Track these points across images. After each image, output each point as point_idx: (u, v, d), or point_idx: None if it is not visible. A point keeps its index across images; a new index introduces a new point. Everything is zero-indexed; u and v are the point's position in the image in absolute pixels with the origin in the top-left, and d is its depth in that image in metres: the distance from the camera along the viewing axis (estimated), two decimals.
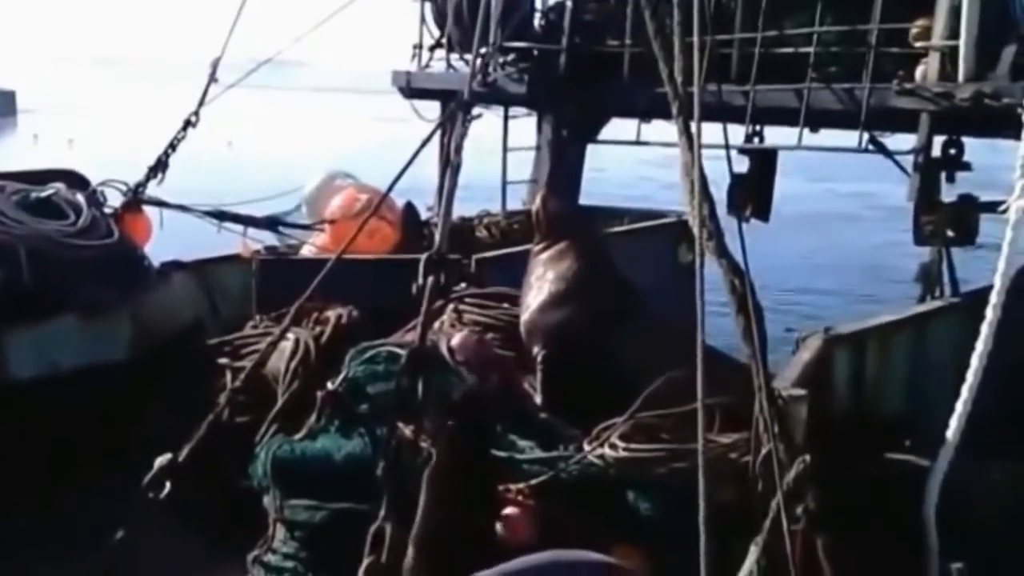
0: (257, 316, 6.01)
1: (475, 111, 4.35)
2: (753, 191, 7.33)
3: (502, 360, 5.15)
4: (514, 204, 8.77)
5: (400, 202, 7.70)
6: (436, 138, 5.34)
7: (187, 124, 7.35)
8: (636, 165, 22.25)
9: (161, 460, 3.99)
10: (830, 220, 22.00)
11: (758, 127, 7.36)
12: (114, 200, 6.84)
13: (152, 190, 7.14)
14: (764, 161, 7.48)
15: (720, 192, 6.41)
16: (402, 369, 3.46)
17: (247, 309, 6.29)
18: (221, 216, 7.18)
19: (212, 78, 7.58)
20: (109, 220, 6.44)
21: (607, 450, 4.23)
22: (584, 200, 9.13)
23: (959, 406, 4.28)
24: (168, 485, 3.94)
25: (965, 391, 4.26)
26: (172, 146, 7.30)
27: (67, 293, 5.72)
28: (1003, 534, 4.46)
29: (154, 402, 5.32)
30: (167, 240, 7.16)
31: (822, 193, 24.34)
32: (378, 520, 3.00)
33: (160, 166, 7.20)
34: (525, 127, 9.22)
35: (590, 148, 9.08)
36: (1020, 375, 5.44)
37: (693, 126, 3.60)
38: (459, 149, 4.04)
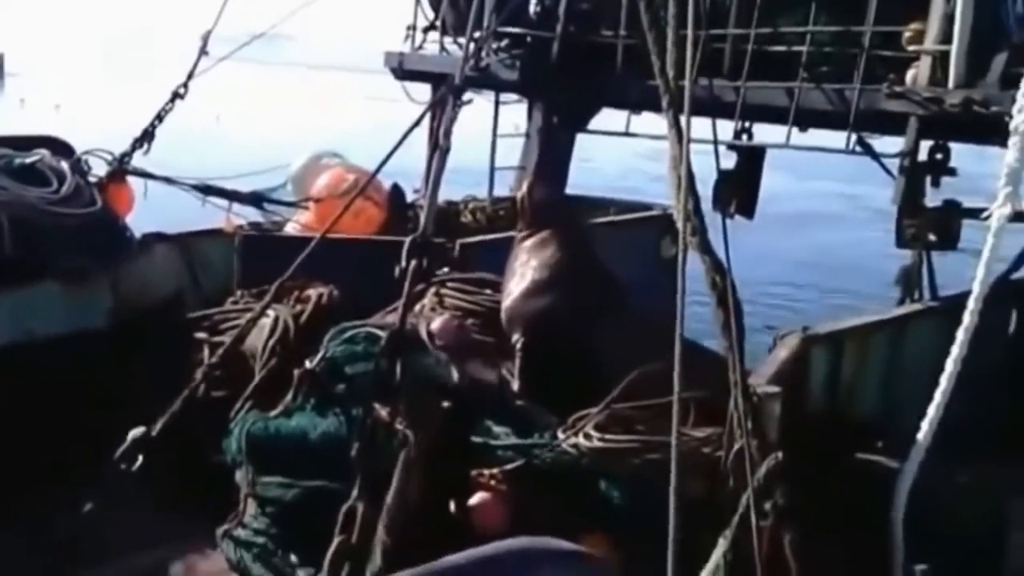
0: (238, 292, 6.00)
1: (466, 96, 4.34)
2: (739, 188, 7.34)
3: (481, 345, 5.17)
4: (501, 190, 8.76)
5: (387, 184, 7.69)
6: (425, 121, 5.33)
7: (175, 96, 7.31)
8: (624, 156, 22.24)
9: (134, 433, 3.99)
10: (815, 219, 22.07)
11: (747, 124, 7.36)
12: (99, 169, 6.81)
13: (137, 161, 7.11)
14: (751, 158, 7.49)
15: (707, 187, 6.42)
16: (381, 351, 3.46)
17: (228, 284, 6.27)
18: (206, 190, 7.15)
19: (203, 51, 7.53)
20: (93, 189, 6.41)
21: (581, 439, 4.25)
22: (572, 190, 9.13)
23: (931, 410, 4.32)
24: (140, 458, 3.93)
25: (938, 395, 4.30)
26: (159, 117, 7.26)
27: (48, 260, 5.70)
28: (969, 537, 4.51)
29: (131, 372, 5.31)
30: (151, 212, 7.13)
31: (809, 192, 24.40)
32: (350, 500, 3.00)
33: (146, 137, 7.16)
34: (516, 113, 9.21)
35: (580, 137, 9.08)
36: (993, 381, 5.50)
37: (683, 120, 3.60)
38: (448, 133, 4.02)
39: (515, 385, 4.95)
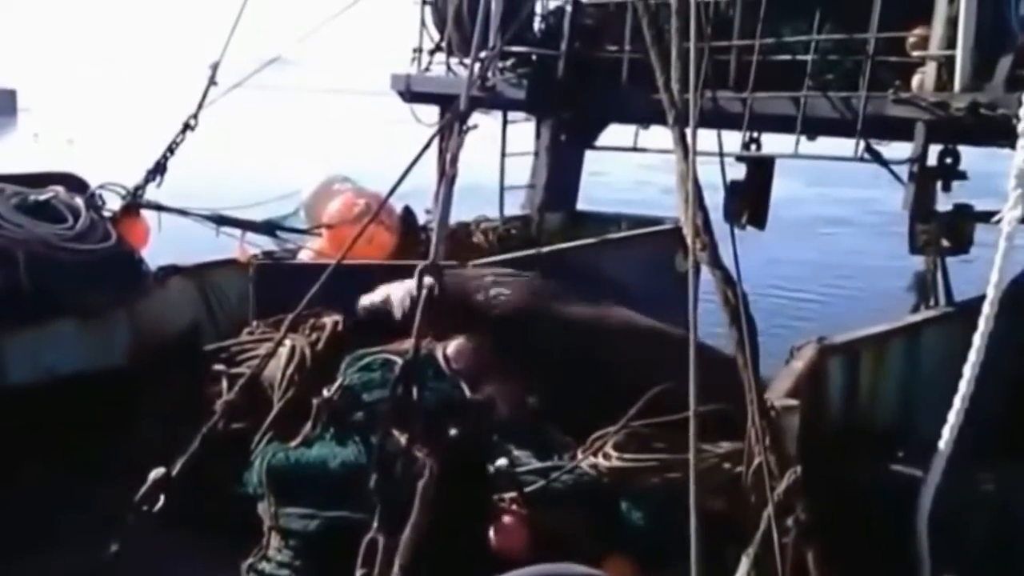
0: (254, 322, 6.02)
1: (472, 121, 4.35)
2: (749, 198, 7.35)
3: (498, 368, 5.17)
4: (512, 209, 8.79)
5: (398, 207, 7.71)
6: (435, 143, 5.35)
7: (186, 127, 7.36)
8: (635, 169, 22.24)
9: (155, 474, 3.99)
10: (826, 225, 22.00)
11: (755, 134, 7.37)
12: (112, 203, 6.86)
13: (150, 193, 7.16)
14: (761, 168, 7.50)
15: (717, 198, 6.42)
16: (396, 377, 3.47)
17: (244, 314, 6.29)
18: (219, 220, 7.19)
19: (212, 81, 7.59)
20: (107, 224, 6.44)
21: (600, 459, 4.25)
22: (583, 204, 9.15)
23: (951, 416, 4.30)
24: (162, 499, 3.94)
25: (957, 401, 4.28)
26: (171, 149, 7.31)
27: (65, 297, 5.74)
28: (994, 543, 4.48)
29: (150, 408, 5.33)
30: (165, 244, 7.17)
31: (819, 198, 24.34)
32: (371, 532, 3.00)
33: (159, 169, 7.21)
34: (524, 132, 9.24)
35: (589, 152, 9.10)
36: (1012, 384, 5.46)
37: (689, 134, 3.62)
38: (454, 160, 4.04)
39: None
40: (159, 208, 7.09)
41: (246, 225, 7.27)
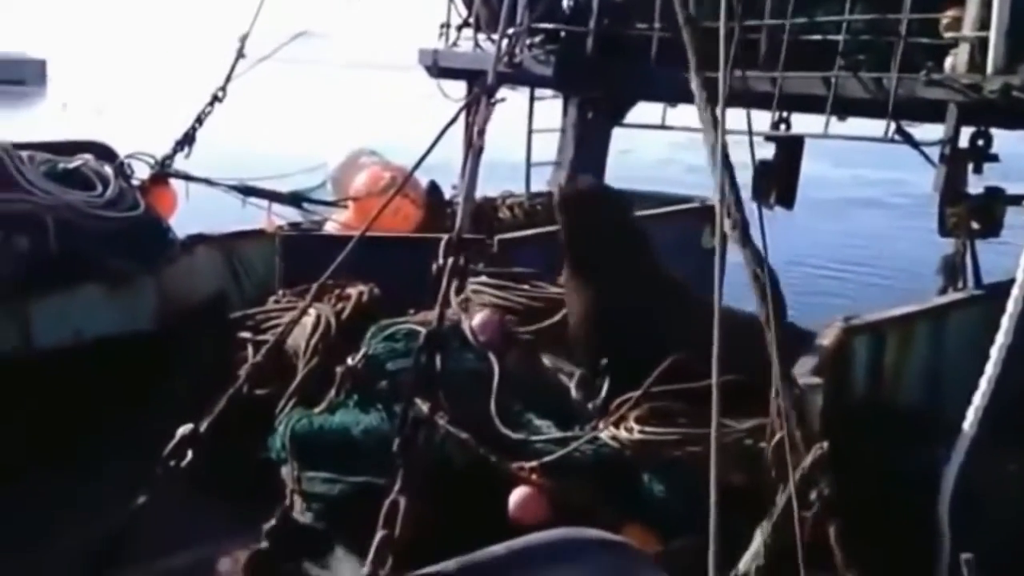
0: (280, 291, 6.07)
1: (499, 95, 4.35)
2: (778, 178, 7.30)
3: (524, 340, 5.19)
4: (538, 186, 8.77)
5: (424, 181, 7.73)
6: (461, 117, 5.35)
7: (214, 99, 7.40)
8: (663, 147, 22.14)
9: (183, 430, 4.05)
10: (856, 207, 21.85)
11: (784, 114, 7.32)
12: (141, 172, 6.92)
13: (179, 163, 7.21)
14: (790, 148, 7.45)
15: (747, 177, 6.39)
16: (420, 345, 3.48)
17: (270, 284, 6.35)
18: (246, 191, 7.23)
19: (240, 53, 7.61)
20: (135, 192, 6.52)
21: (622, 432, 4.26)
22: (609, 182, 9.12)
23: (977, 398, 4.29)
24: (189, 455, 3.99)
25: (983, 383, 4.27)
26: (199, 120, 7.36)
27: (93, 263, 5.81)
28: (1016, 525, 4.47)
29: (176, 373, 5.40)
30: (192, 214, 7.23)
31: (848, 179, 24.15)
32: (392, 493, 3.04)
33: (187, 140, 7.26)
34: (552, 108, 9.21)
35: (617, 129, 9.06)
36: None
37: (719, 113, 3.60)
38: (482, 133, 4.04)
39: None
40: (187, 178, 7.15)
41: (273, 196, 7.31)
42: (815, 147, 7.60)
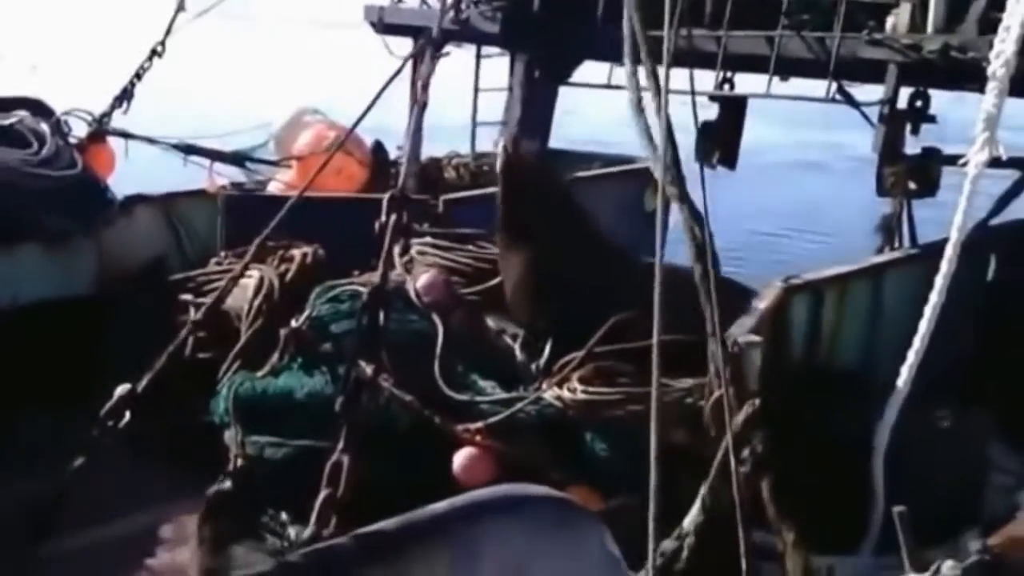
0: (222, 252, 6.00)
1: (444, 49, 4.31)
2: (721, 139, 7.33)
3: (469, 301, 5.19)
4: (485, 145, 8.73)
5: (370, 141, 7.66)
6: (407, 73, 5.29)
7: (153, 54, 7.25)
8: (609, 108, 22.12)
9: (120, 390, 4.00)
10: (799, 169, 22.05)
11: (728, 74, 7.34)
12: (78, 130, 6.77)
13: (117, 121, 7.06)
14: (733, 108, 7.47)
15: (690, 140, 6.41)
16: (363, 304, 3.46)
17: (212, 245, 6.27)
18: (187, 149, 7.12)
19: (180, 7, 7.45)
20: (72, 150, 6.38)
21: (565, 392, 4.30)
22: (555, 143, 9.11)
23: (910, 356, 4.38)
24: (127, 415, 3.95)
25: (917, 341, 4.36)
26: (137, 75, 7.20)
27: (29, 224, 5.69)
28: (949, 480, 4.59)
29: (116, 336, 5.32)
30: (131, 173, 7.09)
31: (792, 142, 24.35)
32: (335, 454, 3.04)
33: (125, 96, 7.11)
34: (498, 67, 9.15)
35: (565, 90, 9.03)
36: (973, 326, 5.56)
37: (661, 72, 3.61)
38: (426, 87, 4.01)
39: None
40: (126, 136, 7.01)
41: (214, 155, 7.21)
42: (760, 112, 7.63)
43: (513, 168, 5.05)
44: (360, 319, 3.38)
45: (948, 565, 3.27)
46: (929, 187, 6.01)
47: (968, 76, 5.20)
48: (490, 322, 5.08)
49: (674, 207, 3.57)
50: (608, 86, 8.20)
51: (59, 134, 6.38)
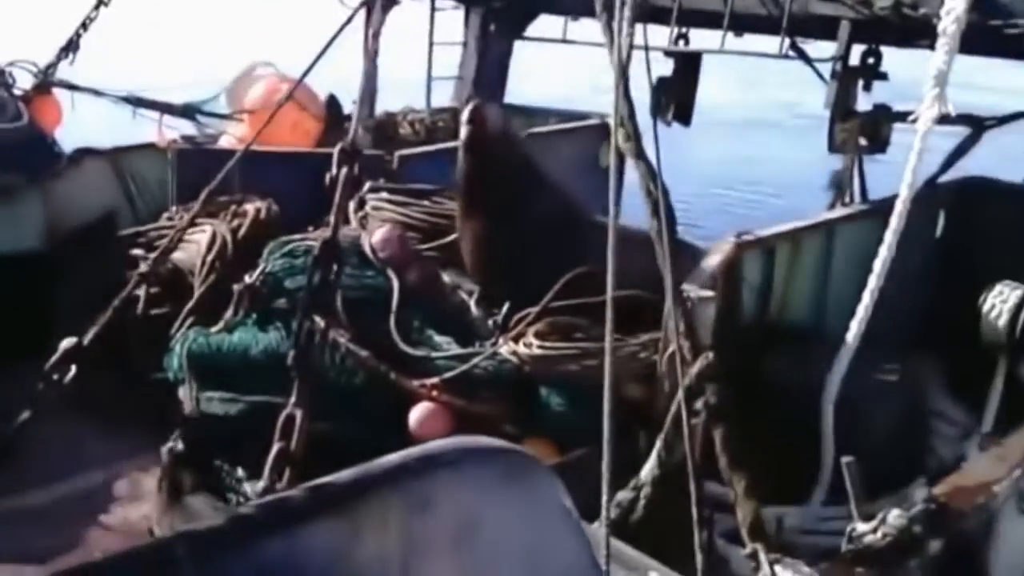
0: (173, 207, 5.92)
1: (400, 8, 4.26)
2: (676, 94, 7.33)
3: (424, 256, 5.18)
4: (440, 101, 8.66)
5: (324, 96, 7.57)
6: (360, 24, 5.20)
7: (99, 3, 7.07)
8: (565, 63, 22.01)
9: (66, 343, 3.95)
10: (753, 126, 22.15)
11: (684, 30, 7.33)
12: (23, 82, 6.62)
13: (63, 72, 6.91)
14: (688, 65, 7.47)
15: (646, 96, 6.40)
16: (315, 257, 3.43)
17: (163, 199, 6.18)
18: (136, 102, 6.98)
19: None
20: (17, 103, 6.25)
21: (521, 347, 4.32)
22: (511, 99, 9.06)
23: (860, 310, 4.46)
24: (73, 368, 3.89)
25: (866, 296, 4.44)
26: (84, 25, 7.03)
27: None
28: (895, 431, 4.70)
29: (65, 291, 5.24)
30: (78, 126, 6.95)
31: (748, 100, 24.43)
32: (288, 407, 3.03)
33: (71, 46, 6.94)
34: (453, 21, 9.05)
35: (522, 45, 8.97)
36: (922, 281, 5.66)
37: (615, 26, 3.59)
38: (376, 35, 3.96)
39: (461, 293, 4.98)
40: (72, 87, 6.86)
41: (164, 108, 7.08)
42: (716, 68, 7.64)
43: (479, 139, 5.02)
44: (311, 272, 3.34)
45: (894, 514, 3.36)
46: (880, 144, 6.07)
47: (919, 33, 5.24)
48: (446, 278, 5.09)
49: (629, 163, 3.58)
50: (564, 40, 8.16)
51: (3, 86, 6.25)
